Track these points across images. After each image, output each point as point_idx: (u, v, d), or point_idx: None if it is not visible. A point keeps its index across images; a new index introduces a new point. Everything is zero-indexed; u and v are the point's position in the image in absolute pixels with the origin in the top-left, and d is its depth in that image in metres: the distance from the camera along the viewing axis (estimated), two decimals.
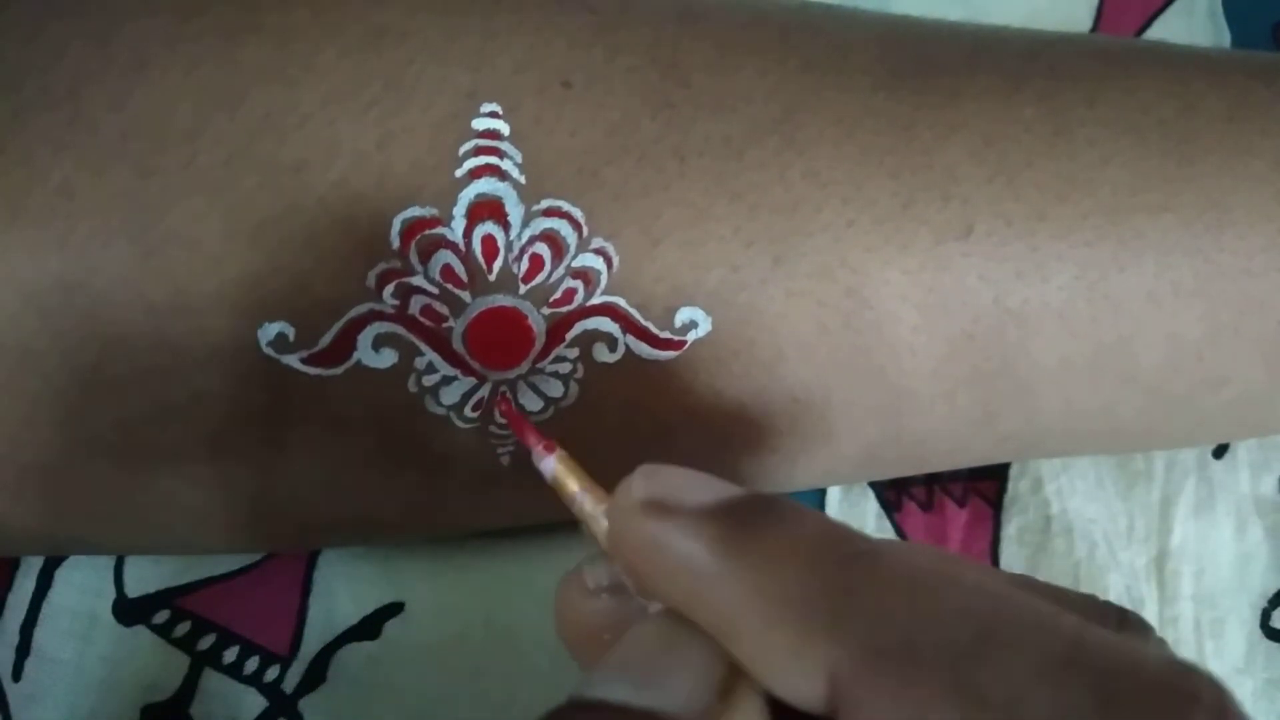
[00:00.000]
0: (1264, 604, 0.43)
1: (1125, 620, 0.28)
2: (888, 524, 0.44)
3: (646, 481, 0.26)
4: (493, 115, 0.30)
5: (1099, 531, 0.43)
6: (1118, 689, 0.22)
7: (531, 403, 0.33)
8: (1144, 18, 0.51)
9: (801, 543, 0.24)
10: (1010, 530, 0.44)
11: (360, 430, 0.32)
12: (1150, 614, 0.43)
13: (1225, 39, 0.51)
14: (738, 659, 0.24)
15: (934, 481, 0.44)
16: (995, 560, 0.43)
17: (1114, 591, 0.43)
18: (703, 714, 0.23)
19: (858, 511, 0.44)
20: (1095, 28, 0.51)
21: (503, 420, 0.33)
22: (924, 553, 0.28)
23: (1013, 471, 0.44)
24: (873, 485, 0.44)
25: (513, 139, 0.31)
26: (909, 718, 0.22)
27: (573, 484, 0.29)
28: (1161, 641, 0.27)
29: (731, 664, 0.24)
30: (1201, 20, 0.51)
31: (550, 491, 0.36)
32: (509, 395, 0.32)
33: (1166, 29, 0.51)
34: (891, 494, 0.44)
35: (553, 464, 0.29)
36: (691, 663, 0.24)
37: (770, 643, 0.23)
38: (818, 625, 0.23)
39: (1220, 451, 0.45)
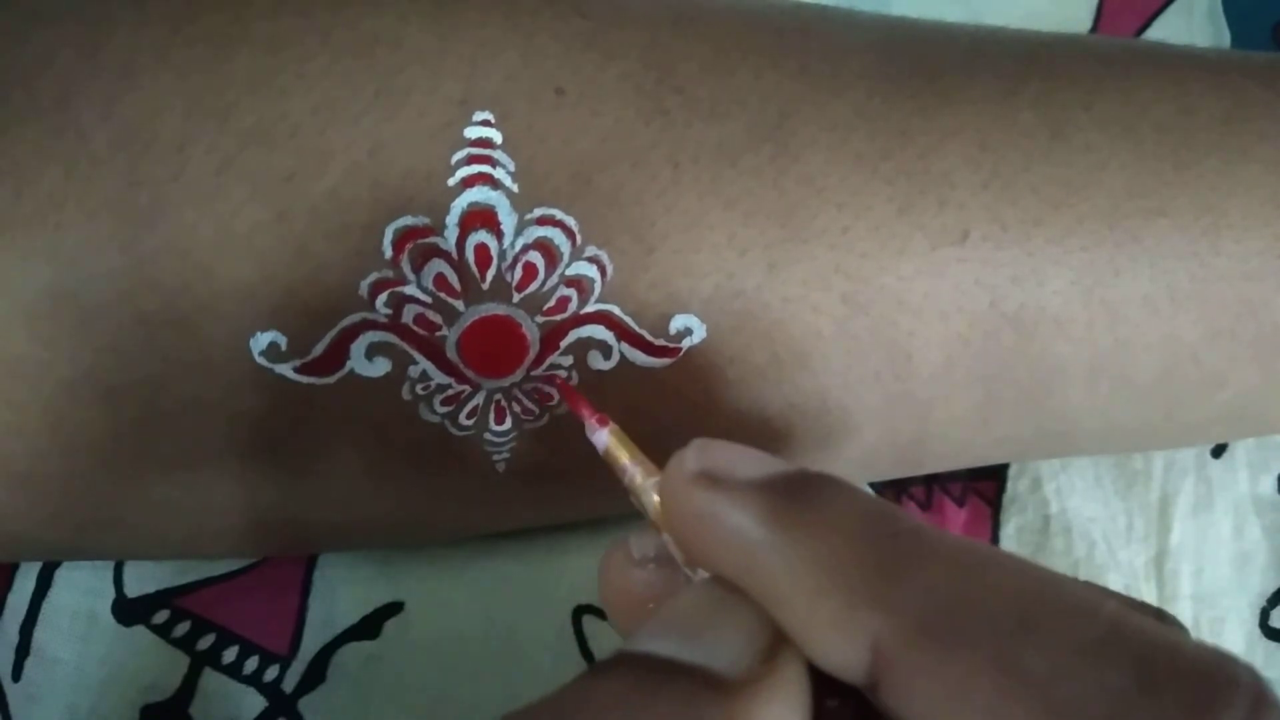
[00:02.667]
0: (1263, 603, 0.43)
1: (1163, 617, 0.27)
2: None
3: (699, 455, 0.26)
4: (485, 123, 0.30)
5: (1098, 531, 0.43)
6: (1158, 670, 0.22)
7: (526, 411, 0.32)
8: (1144, 18, 0.51)
9: (850, 516, 0.25)
10: (1009, 530, 0.44)
11: (354, 439, 0.32)
12: None
13: (1225, 39, 0.51)
14: (784, 626, 0.24)
15: (933, 481, 0.44)
16: None
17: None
18: (746, 672, 0.23)
19: None
20: (1095, 27, 0.50)
21: (498, 428, 0.33)
22: (967, 538, 0.29)
23: (1011, 471, 0.44)
24: (871, 485, 0.44)
25: (505, 147, 0.30)
26: (950, 690, 0.22)
27: (624, 456, 0.29)
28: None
29: (775, 630, 0.24)
30: (1201, 20, 0.50)
31: (550, 490, 0.36)
32: (563, 375, 0.32)
33: (1166, 29, 0.50)
34: (890, 494, 0.44)
35: (605, 437, 0.30)
36: (738, 624, 0.25)
37: (816, 611, 0.24)
38: (864, 596, 0.23)
39: (1219, 451, 0.45)
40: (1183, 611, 0.43)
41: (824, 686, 0.24)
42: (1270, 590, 0.43)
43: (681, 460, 0.27)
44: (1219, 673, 0.22)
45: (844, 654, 0.23)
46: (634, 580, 0.29)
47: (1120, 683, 0.22)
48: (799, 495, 0.25)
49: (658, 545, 0.28)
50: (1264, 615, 0.43)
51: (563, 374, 0.32)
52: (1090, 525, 0.43)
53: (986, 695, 0.22)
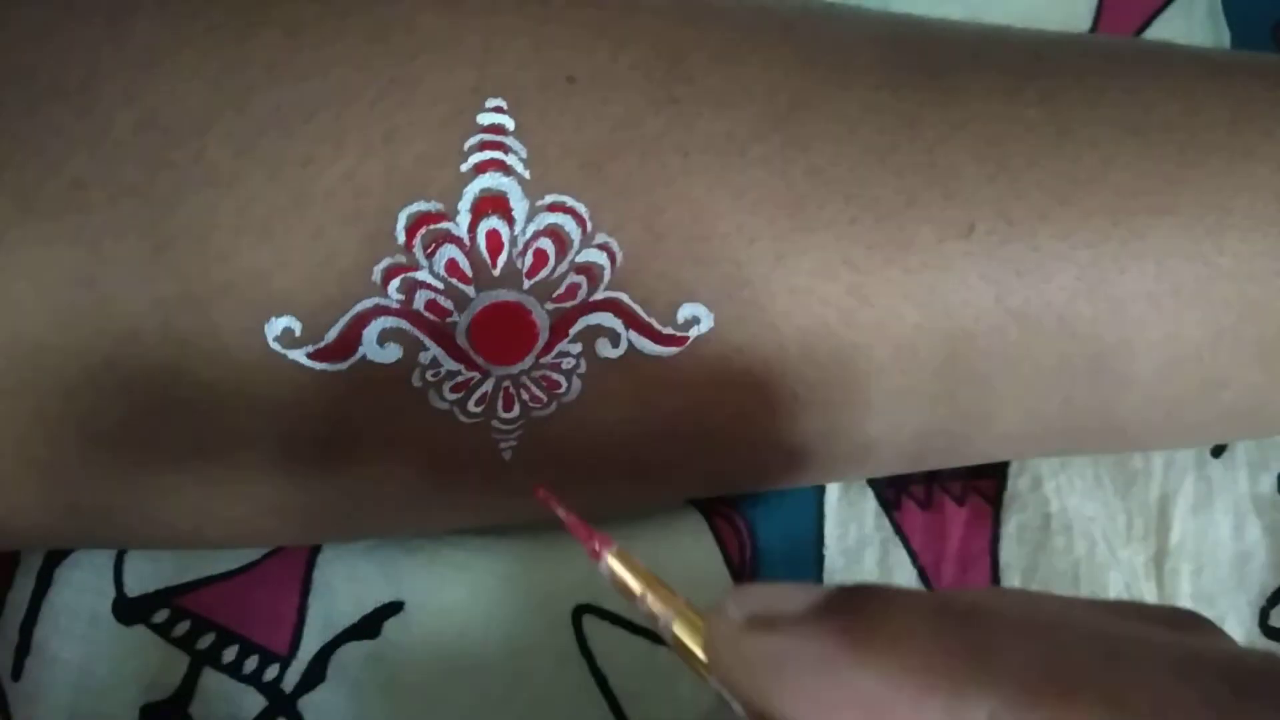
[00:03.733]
0: (1263, 602, 0.43)
1: (1199, 623, 0.27)
2: (886, 522, 0.44)
3: (740, 601, 0.25)
4: (497, 110, 0.31)
5: (1098, 529, 0.43)
6: (1242, 678, 0.22)
7: (534, 399, 0.33)
8: (1144, 17, 0.51)
9: (911, 615, 0.24)
10: (1009, 528, 0.44)
11: (364, 426, 0.33)
12: None
13: (1225, 39, 0.51)
14: None
15: (933, 480, 0.44)
16: (994, 558, 0.44)
17: (1113, 589, 0.43)
18: None
19: (856, 510, 0.44)
20: (1095, 26, 0.51)
21: (506, 415, 0.33)
22: (1015, 594, 0.29)
23: (1012, 469, 0.44)
24: (871, 483, 0.44)
25: (517, 134, 0.31)
26: None
27: (635, 584, 0.27)
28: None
29: None
30: (1201, 20, 0.51)
31: (556, 481, 0.36)
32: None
33: (1166, 28, 0.51)
34: (890, 492, 0.44)
35: (609, 564, 0.27)
36: None
37: (926, 714, 0.23)
38: (964, 684, 0.23)
39: (1219, 450, 0.45)
40: None
41: None
42: (1270, 589, 0.43)
43: (724, 610, 0.25)
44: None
45: None
46: None
47: (1220, 692, 0.22)
48: (860, 609, 0.24)
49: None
50: (1264, 614, 0.43)
51: (571, 361, 0.32)
52: (1090, 524, 0.43)
53: None
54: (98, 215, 0.30)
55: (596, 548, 0.27)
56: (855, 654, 0.24)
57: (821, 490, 0.44)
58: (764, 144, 0.32)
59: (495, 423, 0.33)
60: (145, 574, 0.42)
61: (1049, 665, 0.23)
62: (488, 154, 0.30)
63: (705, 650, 0.26)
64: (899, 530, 0.44)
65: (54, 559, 0.42)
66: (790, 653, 0.24)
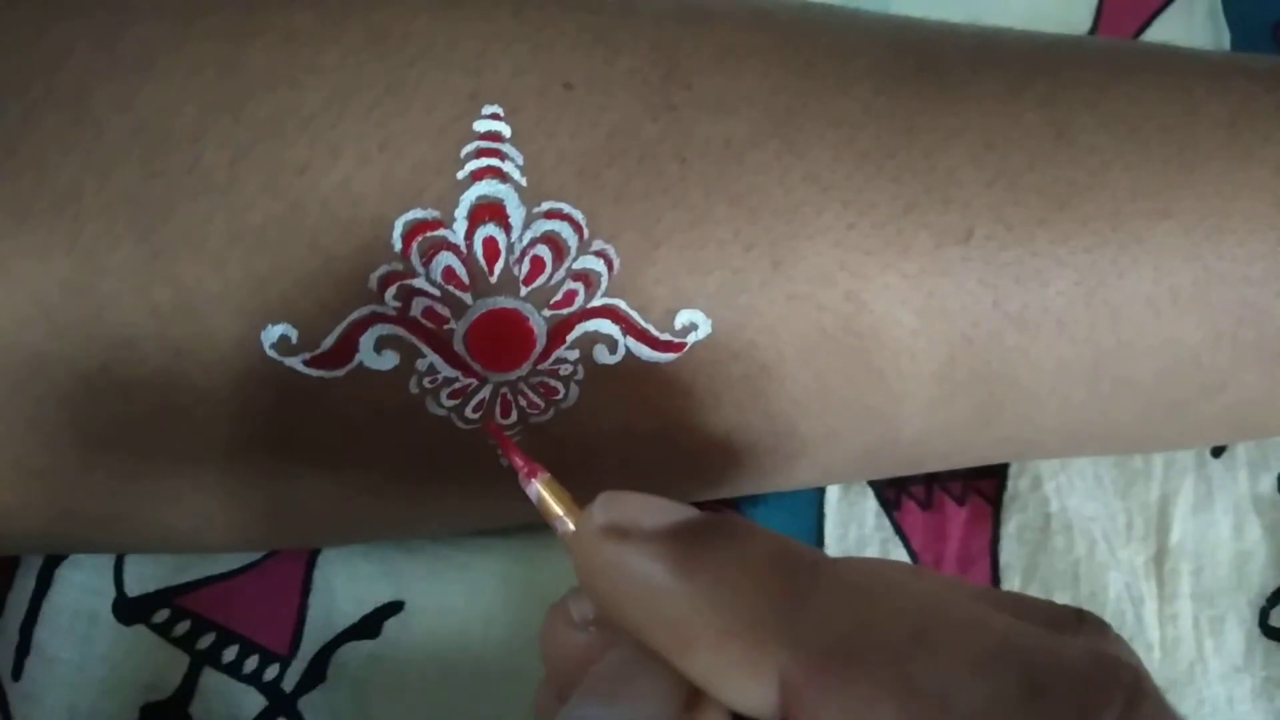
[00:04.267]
0: (1262, 602, 0.43)
1: (1082, 621, 0.28)
2: (887, 522, 0.44)
3: (605, 507, 0.27)
4: (494, 117, 0.30)
5: (1098, 529, 0.43)
6: (1043, 679, 0.23)
7: (532, 405, 0.33)
8: (1144, 17, 0.51)
9: (751, 558, 0.25)
10: (1010, 528, 0.44)
11: (363, 432, 0.33)
12: (1149, 612, 0.43)
13: (1225, 39, 0.51)
14: (692, 676, 0.25)
15: (933, 480, 0.44)
16: (995, 558, 0.44)
17: (1113, 589, 0.43)
18: None
19: (857, 510, 0.44)
20: (1095, 27, 0.51)
21: (503, 421, 0.33)
22: (874, 563, 0.29)
23: (1012, 470, 0.45)
24: (872, 483, 0.44)
25: (514, 141, 0.31)
26: (853, 714, 0.23)
27: (556, 508, 0.29)
28: (1118, 639, 0.28)
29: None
30: (1201, 20, 0.51)
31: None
32: (495, 419, 0.32)
33: (1166, 29, 0.51)
34: (890, 492, 0.44)
35: (537, 489, 0.29)
36: (656, 680, 0.25)
37: (723, 654, 0.24)
38: (766, 634, 0.24)
39: (1219, 450, 0.45)
40: (1182, 610, 0.43)
41: None
42: (1270, 589, 0.43)
43: (589, 514, 0.27)
44: (1099, 675, 0.23)
45: (753, 694, 0.24)
46: (573, 643, 0.29)
47: (1010, 692, 0.23)
48: (702, 540, 0.26)
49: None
50: (1263, 614, 0.43)
51: (569, 368, 0.32)
52: (1090, 524, 0.43)
53: (888, 717, 0.22)
54: (92, 223, 0.29)
55: (525, 474, 0.30)
56: (679, 581, 0.25)
57: (821, 490, 0.44)
58: (761, 150, 0.32)
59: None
60: (145, 574, 0.42)
61: (852, 633, 0.24)
62: (484, 161, 0.30)
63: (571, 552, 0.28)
64: (899, 530, 0.44)
65: (54, 559, 0.42)
66: (625, 565, 0.25)
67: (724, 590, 0.24)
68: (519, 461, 0.30)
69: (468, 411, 0.32)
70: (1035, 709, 0.22)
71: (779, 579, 0.25)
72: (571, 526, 0.29)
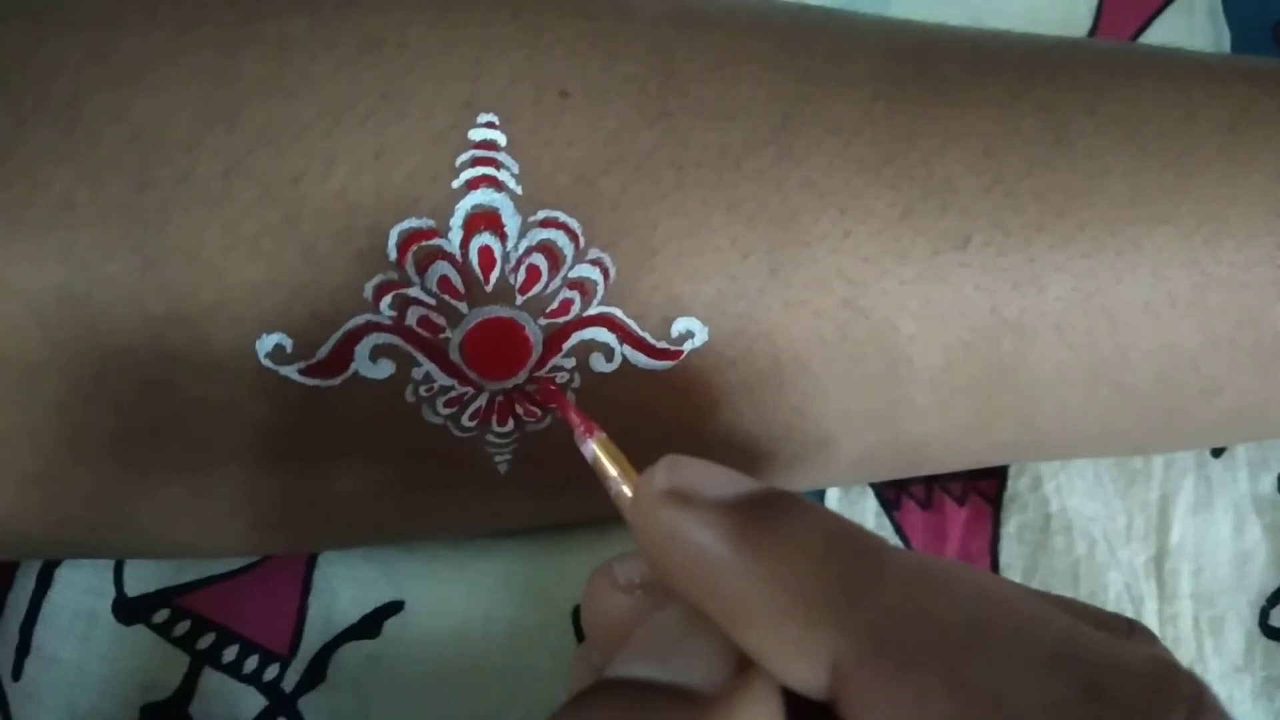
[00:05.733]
0: (1263, 602, 0.43)
1: (1133, 629, 0.28)
2: (887, 522, 0.44)
3: (669, 472, 0.27)
4: (490, 125, 0.30)
5: (1098, 529, 0.43)
6: (1104, 683, 0.23)
7: (529, 412, 0.32)
8: (1144, 17, 0.51)
9: (812, 538, 0.25)
10: (1010, 528, 0.44)
11: (358, 440, 0.32)
12: (1149, 612, 0.43)
13: (1225, 39, 0.51)
14: (745, 647, 0.25)
15: (933, 480, 0.44)
16: (995, 558, 0.44)
17: (1113, 589, 0.43)
18: (721, 687, 0.24)
19: (857, 510, 0.44)
20: (1095, 27, 0.50)
21: (500, 429, 0.33)
22: (933, 558, 0.29)
23: (1012, 470, 0.44)
24: (872, 484, 0.44)
25: (510, 149, 0.30)
26: (904, 707, 0.23)
27: (612, 468, 0.29)
28: (1168, 651, 0.28)
29: None
30: (1201, 20, 0.51)
31: (552, 492, 0.36)
32: (552, 377, 0.32)
33: (1166, 28, 0.50)
34: (891, 492, 0.44)
35: (593, 448, 0.30)
36: (710, 641, 0.25)
37: (777, 632, 0.24)
38: (822, 617, 0.24)
39: (1219, 450, 0.45)
40: (1182, 610, 0.43)
41: (800, 697, 0.25)
42: (1270, 589, 0.43)
43: (651, 477, 0.27)
44: (1162, 683, 0.23)
45: (804, 673, 0.24)
46: (618, 606, 0.29)
47: (1068, 695, 0.22)
48: (764, 515, 0.26)
49: (644, 570, 0.29)
50: (1264, 614, 0.43)
51: (565, 376, 0.32)
52: (1090, 524, 0.43)
53: (940, 713, 0.22)
54: (86, 233, 0.29)
55: (583, 432, 0.30)
56: (739, 555, 0.25)
57: (821, 490, 0.44)
58: (758, 157, 0.32)
59: (490, 436, 0.33)
60: (145, 574, 0.42)
61: (908, 624, 0.23)
62: (480, 170, 0.30)
63: (629, 513, 0.28)
64: (899, 530, 0.44)
65: (54, 559, 0.42)
66: (687, 533, 0.25)
67: (783, 568, 0.24)
68: (575, 419, 0.30)
69: (464, 419, 0.32)
70: (1093, 713, 0.22)
71: (839, 562, 0.25)
72: (626, 489, 0.29)
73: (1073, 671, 0.23)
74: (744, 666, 0.25)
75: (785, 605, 0.24)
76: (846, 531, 0.26)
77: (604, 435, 0.30)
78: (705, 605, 0.25)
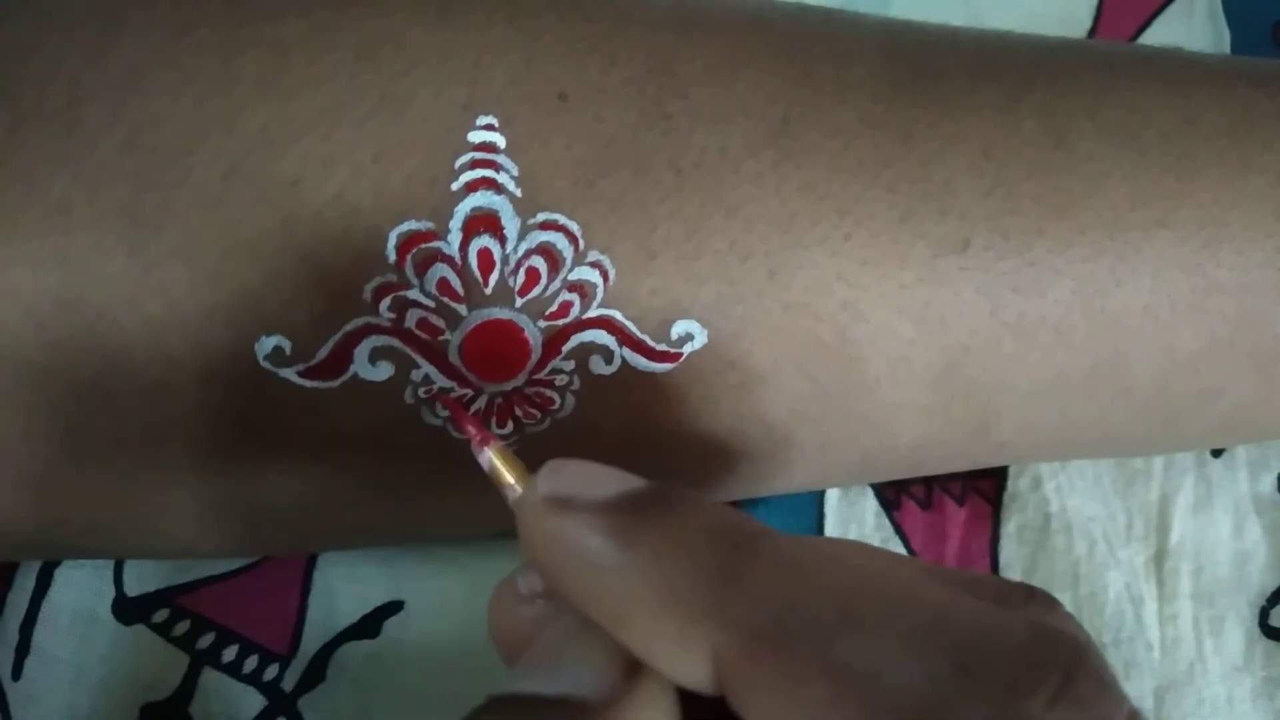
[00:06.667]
0: (1262, 602, 0.43)
1: (1032, 596, 0.28)
2: (886, 522, 0.44)
3: (550, 477, 0.26)
4: (489, 128, 0.30)
5: (1098, 529, 0.43)
6: (976, 657, 0.23)
7: (528, 415, 0.32)
8: (1143, 17, 0.51)
9: (689, 532, 0.25)
10: (1010, 528, 0.44)
11: (357, 442, 0.32)
12: (1149, 612, 0.43)
13: (1225, 39, 0.51)
14: (631, 648, 0.25)
15: (933, 480, 0.44)
16: (995, 558, 0.43)
17: (1113, 589, 0.43)
18: (610, 693, 0.24)
19: (856, 510, 0.44)
20: (1095, 26, 0.50)
21: (500, 431, 0.33)
22: (819, 541, 0.29)
23: (1012, 470, 0.44)
24: (872, 484, 0.44)
25: (509, 152, 0.30)
26: (784, 693, 0.23)
27: (508, 477, 0.29)
28: (1068, 616, 0.27)
29: None
30: (1201, 20, 0.50)
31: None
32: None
33: (1166, 28, 0.50)
34: (890, 492, 0.44)
35: (489, 456, 0.29)
36: (599, 648, 0.25)
37: (658, 629, 0.24)
38: (700, 611, 0.24)
39: (1219, 450, 0.45)
40: (1182, 610, 0.43)
41: (691, 697, 0.25)
42: (1270, 589, 0.43)
43: (534, 484, 0.27)
44: (1035, 651, 0.23)
45: (689, 669, 0.24)
46: (521, 618, 0.29)
47: (938, 671, 0.22)
48: (643, 512, 0.25)
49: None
50: (1263, 614, 0.43)
51: (564, 378, 0.32)
52: (1090, 524, 0.43)
53: (817, 697, 0.22)
54: (84, 236, 0.29)
55: (477, 442, 0.29)
56: (616, 554, 0.25)
57: (821, 490, 0.44)
58: (757, 160, 0.32)
59: None
60: (145, 573, 0.42)
61: (782, 611, 0.23)
62: (479, 172, 0.30)
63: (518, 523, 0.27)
64: (899, 530, 0.44)
65: (54, 559, 0.42)
66: (566, 536, 0.25)
67: (660, 564, 0.24)
68: (471, 430, 0.29)
69: None
70: (965, 688, 0.22)
71: (714, 554, 0.24)
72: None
73: (944, 647, 0.23)
74: (636, 670, 0.25)
75: (664, 601, 0.24)
76: (724, 523, 0.25)
77: (501, 444, 0.29)
78: (590, 609, 0.25)
